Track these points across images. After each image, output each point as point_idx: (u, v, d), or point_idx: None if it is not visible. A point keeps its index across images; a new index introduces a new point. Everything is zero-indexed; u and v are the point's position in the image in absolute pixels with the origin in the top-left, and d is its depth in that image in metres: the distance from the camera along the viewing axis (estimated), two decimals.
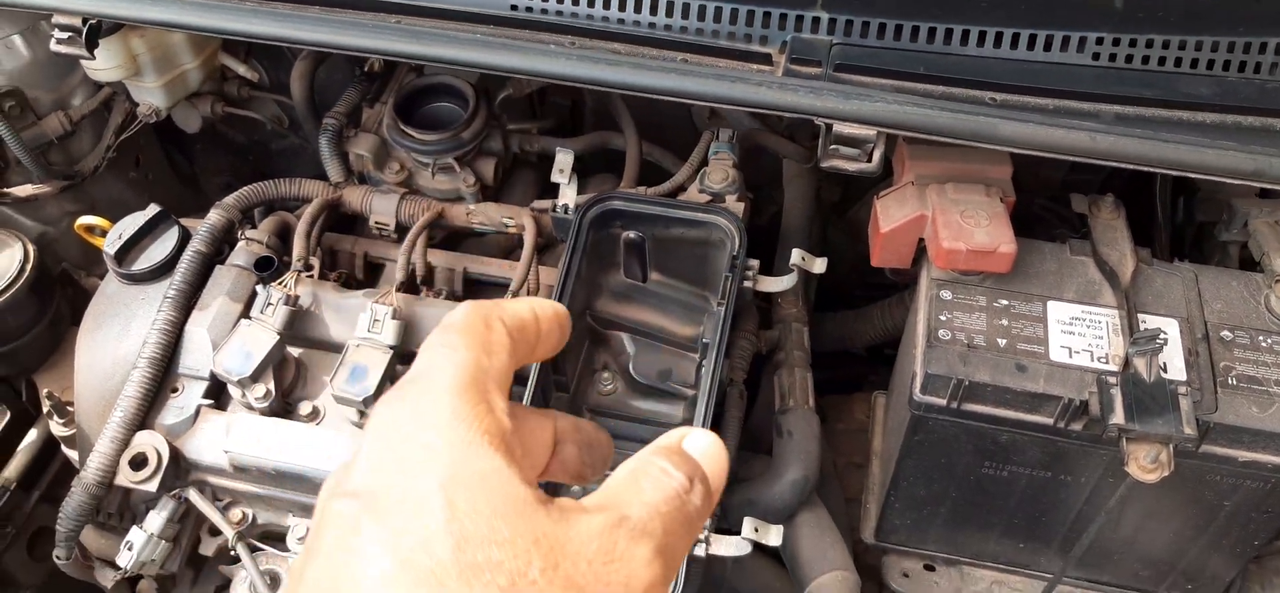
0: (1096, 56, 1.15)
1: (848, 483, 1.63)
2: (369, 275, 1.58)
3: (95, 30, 1.32)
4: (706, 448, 0.51)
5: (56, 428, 1.57)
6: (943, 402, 1.21)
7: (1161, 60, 1.14)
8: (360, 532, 0.44)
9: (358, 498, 0.45)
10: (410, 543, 0.42)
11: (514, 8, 1.22)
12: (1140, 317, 1.22)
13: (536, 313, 0.55)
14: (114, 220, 1.54)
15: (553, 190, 1.74)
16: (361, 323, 1.37)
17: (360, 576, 0.42)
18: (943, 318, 1.23)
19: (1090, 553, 1.39)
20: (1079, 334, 1.22)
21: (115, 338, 1.44)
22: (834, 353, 1.79)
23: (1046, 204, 1.60)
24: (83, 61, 1.47)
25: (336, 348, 1.41)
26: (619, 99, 1.65)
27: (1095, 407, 1.16)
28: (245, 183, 1.58)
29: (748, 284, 1.37)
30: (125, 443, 1.34)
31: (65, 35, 1.31)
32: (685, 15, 1.19)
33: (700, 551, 1.22)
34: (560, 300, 1.32)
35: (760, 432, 1.54)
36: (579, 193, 1.45)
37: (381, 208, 1.53)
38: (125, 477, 1.33)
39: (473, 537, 0.42)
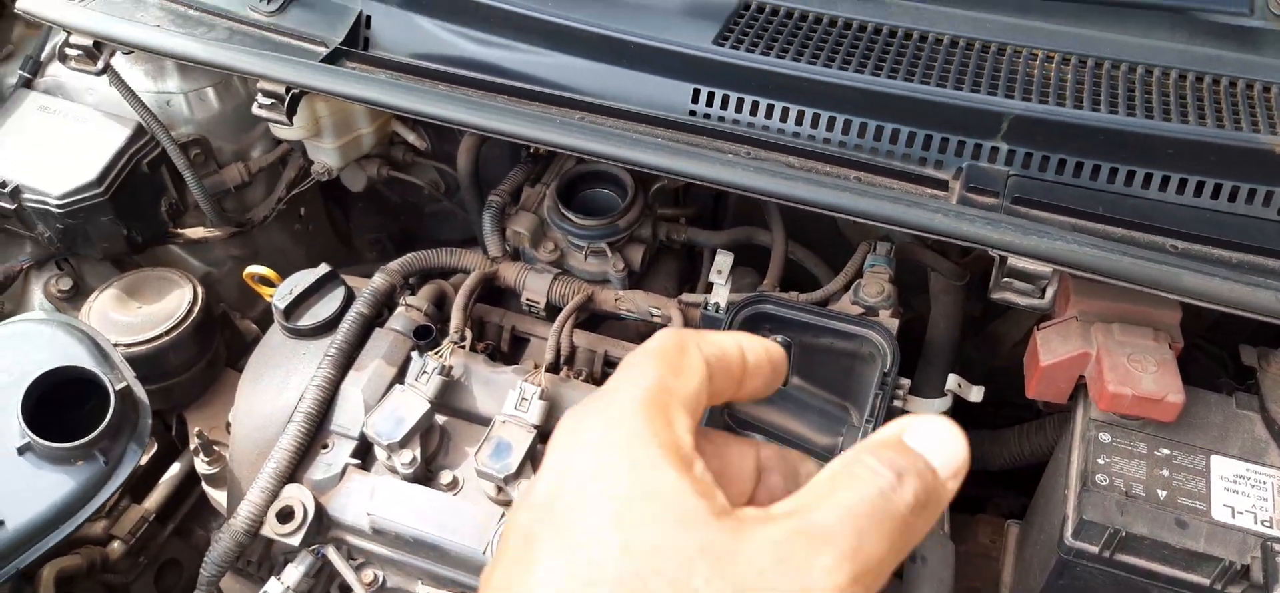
0: None
1: None
2: (514, 349, 1.62)
3: (296, 98, 1.40)
4: (934, 437, 0.47)
5: (201, 466, 1.63)
6: (1095, 549, 1.18)
7: None
8: (537, 542, 0.45)
9: (535, 510, 0.47)
10: (580, 555, 0.43)
11: (692, 113, 1.25)
12: None
13: (743, 348, 0.54)
14: (275, 267, 1.62)
15: (691, 278, 1.77)
16: (509, 400, 1.40)
17: (532, 583, 0.44)
18: (1100, 461, 1.21)
19: None
20: (1243, 494, 1.19)
21: (275, 389, 1.50)
22: None
23: (1203, 340, 1.56)
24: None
25: (481, 420, 1.45)
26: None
27: (1258, 572, 1.12)
28: (395, 240, 1.64)
29: (897, 403, 1.36)
30: (275, 494, 1.39)
31: (268, 102, 1.39)
32: (861, 134, 1.21)
33: None
34: None
35: None
36: None
37: (535, 286, 1.58)
38: (272, 528, 1.37)
39: (639, 548, 0.43)
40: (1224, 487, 1.19)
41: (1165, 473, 1.20)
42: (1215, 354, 1.62)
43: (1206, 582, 1.15)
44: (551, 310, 1.58)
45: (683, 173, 1.21)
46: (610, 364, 1.57)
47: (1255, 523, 1.16)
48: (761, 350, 0.55)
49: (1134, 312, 1.26)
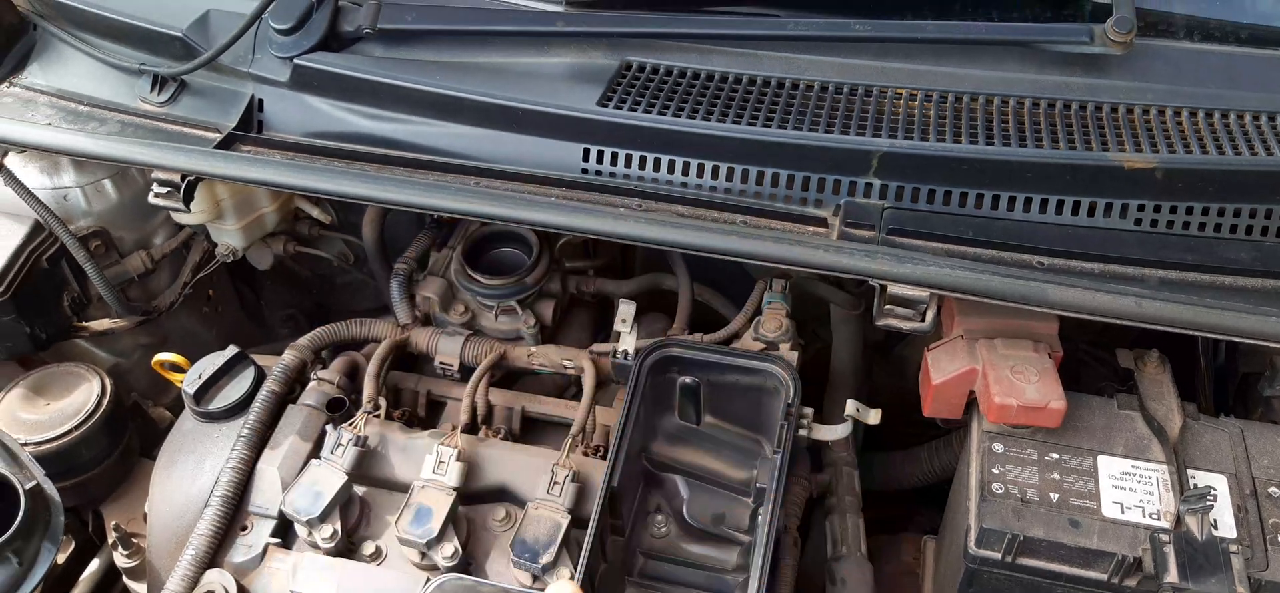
0: (1139, 222, 1.21)
1: None
2: (431, 413, 1.64)
3: (192, 185, 1.41)
4: None
5: (120, 559, 1.61)
6: (997, 555, 1.23)
7: (1202, 226, 1.20)
8: None
9: None
10: None
11: (584, 171, 1.30)
12: (1189, 473, 1.25)
13: None
14: (185, 351, 1.61)
15: (605, 329, 1.81)
16: (427, 465, 1.42)
17: None
18: (995, 471, 1.26)
19: None
20: (1130, 490, 1.25)
21: (190, 475, 1.49)
22: (878, 493, 1.81)
23: (1088, 348, 1.63)
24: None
25: (400, 487, 1.46)
26: None
27: (1149, 564, 1.18)
28: (308, 314, 1.65)
29: (802, 432, 1.41)
30: (196, 581, 1.38)
31: (164, 190, 1.40)
32: (744, 180, 1.27)
33: None
34: (619, 445, 1.37)
35: (808, 575, 1.56)
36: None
37: (447, 349, 1.60)
38: None
39: None
40: (1112, 485, 1.26)
41: (1056, 477, 1.26)
42: (1102, 360, 1.70)
43: (1104, 577, 1.21)
44: (465, 372, 1.60)
45: (578, 228, 1.26)
46: (529, 420, 1.60)
47: (1143, 517, 1.22)
48: None
49: (1014, 326, 1.33)
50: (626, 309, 1.48)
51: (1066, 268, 1.19)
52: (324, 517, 1.39)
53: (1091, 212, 1.21)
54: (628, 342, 1.48)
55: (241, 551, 1.42)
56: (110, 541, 1.61)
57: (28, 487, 1.30)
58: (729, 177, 1.26)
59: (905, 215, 1.22)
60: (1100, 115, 1.27)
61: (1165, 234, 1.20)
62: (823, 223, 1.23)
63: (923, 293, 1.19)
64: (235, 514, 1.44)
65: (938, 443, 1.68)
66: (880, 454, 1.78)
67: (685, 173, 1.27)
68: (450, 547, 1.37)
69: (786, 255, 1.20)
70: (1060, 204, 1.20)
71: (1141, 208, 1.20)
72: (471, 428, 1.54)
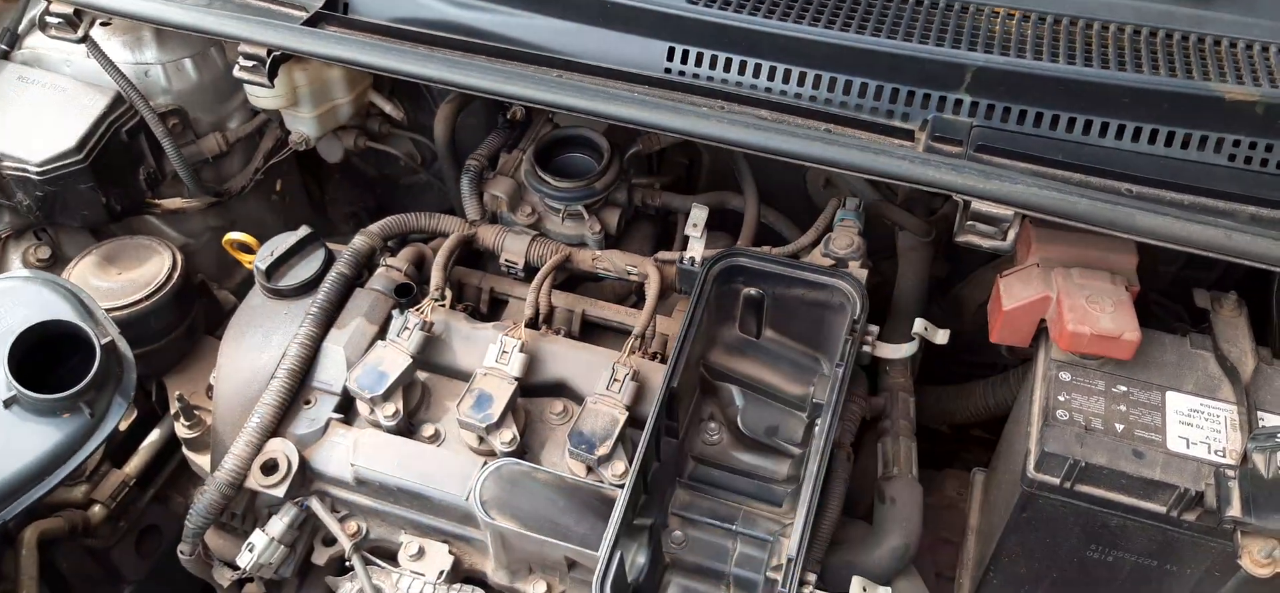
0: (1232, 158, 1.19)
1: (937, 559, 1.65)
2: (493, 310, 1.66)
3: (278, 62, 1.42)
4: None
5: (182, 430, 1.65)
6: (1056, 481, 1.23)
7: None
8: None
9: None
10: None
11: (667, 70, 1.29)
12: (1259, 414, 1.24)
13: None
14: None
15: (666, 243, 1.81)
16: (490, 353, 1.43)
17: None
18: (1061, 398, 1.26)
19: None
20: (1197, 426, 1.24)
21: (257, 348, 1.52)
22: (923, 429, 1.81)
23: (1160, 299, 1.62)
24: (250, 89, 1.57)
25: (461, 376, 1.48)
26: (742, 161, 1.71)
27: (1212, 498, 1.18)
28: (371, 214, 1.66)
29: (866, 348, 1.41)
30: (259, 448, 1.41)
31: (249, 63, 1.41)
32: (831, 88, 1.25)
33: None
34: (681, 347, 1.38)
35: (855, 496, 1.57)
36: None
37: (513, 247, 1.61)
38: (256, 480, 1.40)
39: None
40: (1179, 420, 1.25)
41: (1123, 408, 1.25)
42: (1173, 313, 1.68)
43: (1163, 509, 1.21)
44: (530, 271, 1.61)
45: (659, 126, 1.25)
46: (589, 323, 1.61)
47: (1209, 453, 1.21)
48: None
49: (1092, 257, 1.32)
50: (698, 214, 1.49)
51: (1156, 197, 1.17)
52: (387, 396, 1.41)
53: (1185, 144, 1.19)
54: (696, 248, 1.48)
55: (304, 423, 1.45)
56: (173, 411, 1.65)
57: (103, 342, 1.33)
58: (816, 84, 1.25)
59: (994, 134, 1.21)
60: (1203, 47, 1.25)
61: (1259, 171, 1.18)
62: (909, 136, 1.22)
63: (1007, 211, 1.18)
64: (300, 389, 1.47)
65: (995, 379, 1.68)
66: (933, 388, 1.78)
67: (770, 78, 1.26)
68: (509, 433, 1.39)
69: (871, 165, 1.20)
70: (1154, 133, 1.18)
71: (1237, 143, 1.18)
72: (534, 324, 1.55)
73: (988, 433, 1.83)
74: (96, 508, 1.68)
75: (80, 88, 1.73)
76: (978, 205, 1.18)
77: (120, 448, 1.78)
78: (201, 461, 1.65)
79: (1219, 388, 1.27)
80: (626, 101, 1.27)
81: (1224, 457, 1.21)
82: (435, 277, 1.54)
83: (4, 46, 1.81)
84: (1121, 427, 1.23)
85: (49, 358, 1.34)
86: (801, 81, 1.26)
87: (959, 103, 1.22)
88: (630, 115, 1.27)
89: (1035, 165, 1.19)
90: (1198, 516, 1.20)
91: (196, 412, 1.64)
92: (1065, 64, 1.21)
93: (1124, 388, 1.27)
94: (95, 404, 1.33)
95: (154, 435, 1.82)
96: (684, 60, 1.34)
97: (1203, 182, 1.18)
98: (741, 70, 1.28)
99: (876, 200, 1.63)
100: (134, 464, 1.78)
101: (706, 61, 1.33)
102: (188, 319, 1.75)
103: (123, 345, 1.39)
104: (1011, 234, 1.20)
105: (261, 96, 1.65)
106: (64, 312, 1.34)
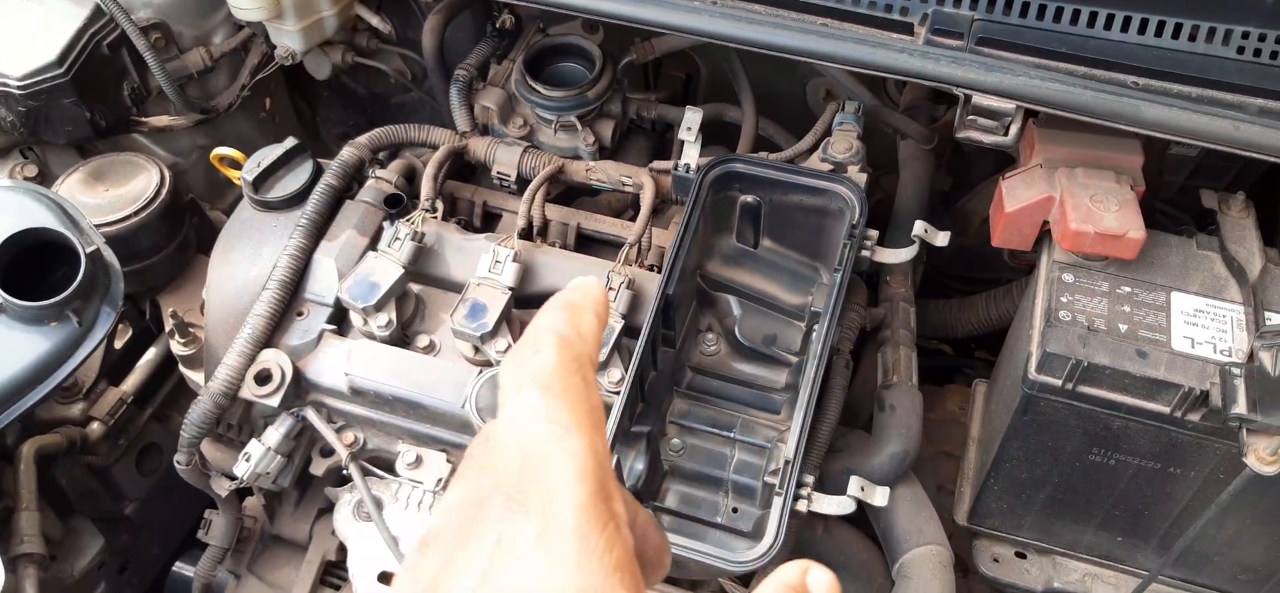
0: (1241, 50, 1.15)
1: (939, 472, 1.64)
2: (486, 223, 1.63)
3: None
4: (827, 586, 0.52)
5: (177, 347, 1.63)
6: (1058, 382, 1.21)
7: None
8: None
9: None
10: None
11: None
12: (1267, 315, 1.22)
13: (595, 310, 0.53)
14: None
15: (663, 156, 1.78)
16: (483, 263, 1.41)
17: None
18: (1063, 299, 1.24)
19: (1190, 553, 1.38)
20: (1203, 326, 1.22)
21: (247, 260, 1.50)
22: (923, 347, 1.79)
23: (1166, 207, 1.59)
24: (233, 1, 1.53)
25: (455, 287, 1.46)
26: (739, 70, 1.67)
27: (1217, 397, 1.16)
28: (363, 132, 1.63)
29: (866, 253, 1.38)
30: (252, 358, 1.39)
31: None
32: None
33: (802, 506, 1.24)
34: (676, 255, 1.35)
35: (855, 408, 1.55)
36: None
37: (505, 159, 1.58)
38: (250, 390, 1.38)
39: None
40: (1184, 320, 1.23)
41: (1126, 309, 1.23)
42: (1178, 222, 1.65)
43: (1166, 409, 1.19)
44: (522, 184, 1.58)
45: (649, 21, 1.22)
46: (584, 236, 1.58)
47: (1215, 353, 1.19)
48: (600, 296, 0.54)
49: (1097, 157, 1.28)
50: (692, 118, 1.45)
51: (1161, 89, 1.14)
52: (380, 306, 1.39)
53: (1192, 36, 1.15)
54: (690, 153, 1.45)
55: (298, 334, 1.44)
56: (168, 329, 1.63)
57: (89, 250, 1.32)
58: None
59: (995, 27, 1.17)
60: None
61: (1268, 64, 1.14)
62: (908, 29, 1.19)
63: (1009, 105, 1.15)
64: (292, 300, 1.45)
65: (997, 291, 1.66)
66: (936, 302, 1.76)
67: None
68: (504, 342, 1.37)
69: (869, 58, 1.16)
70: (1161, 25, 1.14)
71: (1246, 35, 1.14)
72: (527, 234, 1.53)
73: (990, 354, 1.81)
74: (94, 425, 1.67)
75: (61, 1, 1.69)
76: (979, 100, 1.15)
77: (117, 366, 1.77)
78: (197, 377, 1.63)
79: (1226, 288, 1.25)
80: None
81: (1230, 356, 1.19)
82: (425, 187, 1.51)
83: None
84: (1125, 327, 1.21)
85: (35, 270, 1.32)
86: None
87: None
88: (620, 11, 1.23)
89: (1038, 58, 1.16)
90: (1202, 415, 1.18)
91: (191, 329, 1.62)
92: None
93: (1128, 289, 1.25)
94: (83, 313, 1.32)
95: (150, 353, 1.81)
96: None
97: (1211, 74, 1.14)
98: None
99: (877, 106, 1.60)
100: (131, 382, 1.77)
101: None
102: (179, 236, 1.73)
103: (109, 255, 1.37)
104: (1013, 129, 1.17)
105: (244, 8, 1.61)
106: (48, 221, 1.32)
